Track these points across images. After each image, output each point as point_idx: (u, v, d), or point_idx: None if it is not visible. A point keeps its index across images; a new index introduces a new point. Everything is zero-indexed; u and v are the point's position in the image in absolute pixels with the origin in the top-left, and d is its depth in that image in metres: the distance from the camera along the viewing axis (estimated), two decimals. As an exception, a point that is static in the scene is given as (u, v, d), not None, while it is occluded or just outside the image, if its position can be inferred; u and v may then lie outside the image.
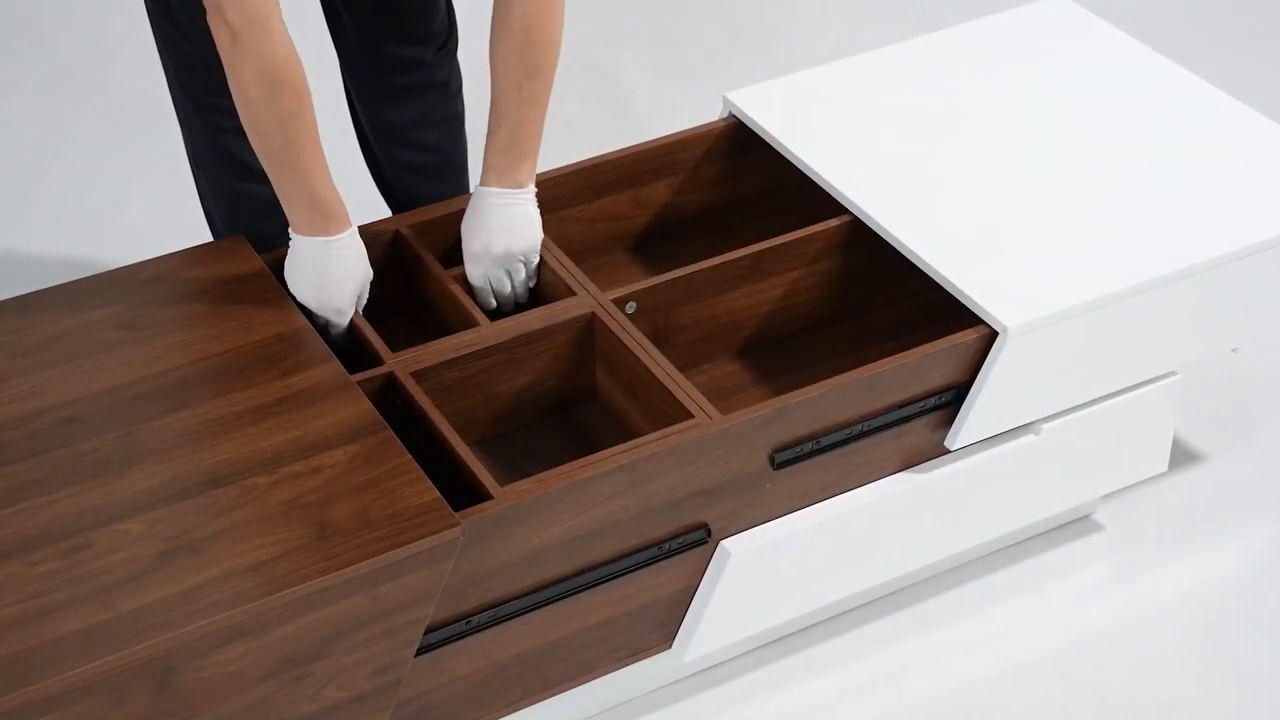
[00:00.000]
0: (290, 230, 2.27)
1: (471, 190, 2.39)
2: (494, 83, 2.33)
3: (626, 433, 2.35)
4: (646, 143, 2.63)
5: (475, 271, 2.39)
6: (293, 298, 2.30)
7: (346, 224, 2.27)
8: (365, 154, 2.76)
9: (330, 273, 2.27)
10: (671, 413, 2.23)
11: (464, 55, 2.72)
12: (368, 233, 2.43)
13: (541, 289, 2.44)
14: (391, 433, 2.12)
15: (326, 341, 2.30)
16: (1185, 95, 2.70)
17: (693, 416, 2.19)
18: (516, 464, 2.36)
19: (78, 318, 2.28)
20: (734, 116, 2.68)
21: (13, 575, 1.95)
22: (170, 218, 3.27)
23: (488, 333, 2.31)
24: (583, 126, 3.48)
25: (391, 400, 2.24)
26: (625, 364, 2.31)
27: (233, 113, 2.43)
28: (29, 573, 1.95)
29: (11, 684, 1.84)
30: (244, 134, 2.44)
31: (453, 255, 2.49)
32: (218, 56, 2.32)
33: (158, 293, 2.32)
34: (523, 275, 2.41)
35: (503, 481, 2.29)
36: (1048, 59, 2.77)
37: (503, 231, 2.36)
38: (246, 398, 2.16)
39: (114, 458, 2.09)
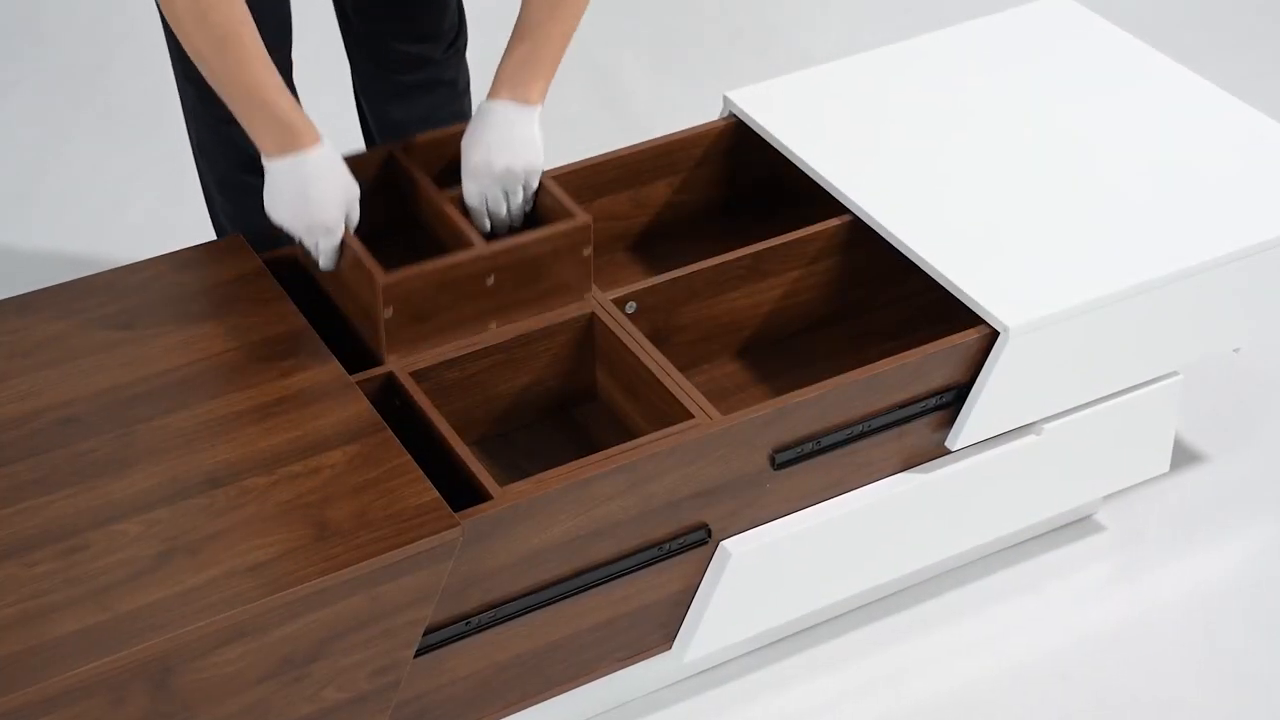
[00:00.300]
0: (263, 159, 2.19)
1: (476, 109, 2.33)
2: (525, 3, 2.28)
3: (627, 433, 2.35)
4: (646, 142, 2.63)
5: (472, 189, 2.31)
6: (283, 230, 2.24)
7: (315, 138, 2.18)
8: (369, 149, 2.76)
9: (309, 192, 2.18)
10: (671, 413, 2.23)
11: (472, 55, 2.71)
12: (360, 158, 2.38)
13: (539, 212, 2.37)
14: (390, 433, 2.12)
15: (318, 269, 2.26)
16: (1186, 94, 2.70)
17: (693, 417, 2.19)
18: (516, 464, 2.35)
19: (76, 318, 2.28)
20: (734, 116, 2.68)
21: (11, 576, 1.95)
22: (169, 218, 3.27)
23: (488, 335, 2.30)
24: (583, 126, 3.48)
25: (391, 400, 2.24)
26: (625, 364, 2.31)
27: None
28: (27, 573, 1.95)
29: (9, 685, 1.83)
30: None
31: (446, 178, 2.44)
32: None
33: (157, 292, 2.32)
34: (520, 198, 2.33)
35: (502, 482, 2.28)
36: (1048, 58, 2.77)
37: (504, 147, 2.28)
38: (245, 398, 2.16)
39: (113, 458, 2.09)
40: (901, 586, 2.56)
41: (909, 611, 2.54)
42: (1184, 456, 2.78)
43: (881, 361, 2.27)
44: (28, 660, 1.86)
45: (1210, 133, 2.62)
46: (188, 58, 2.44)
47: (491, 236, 2.36)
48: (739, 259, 2.43)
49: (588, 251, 2.31)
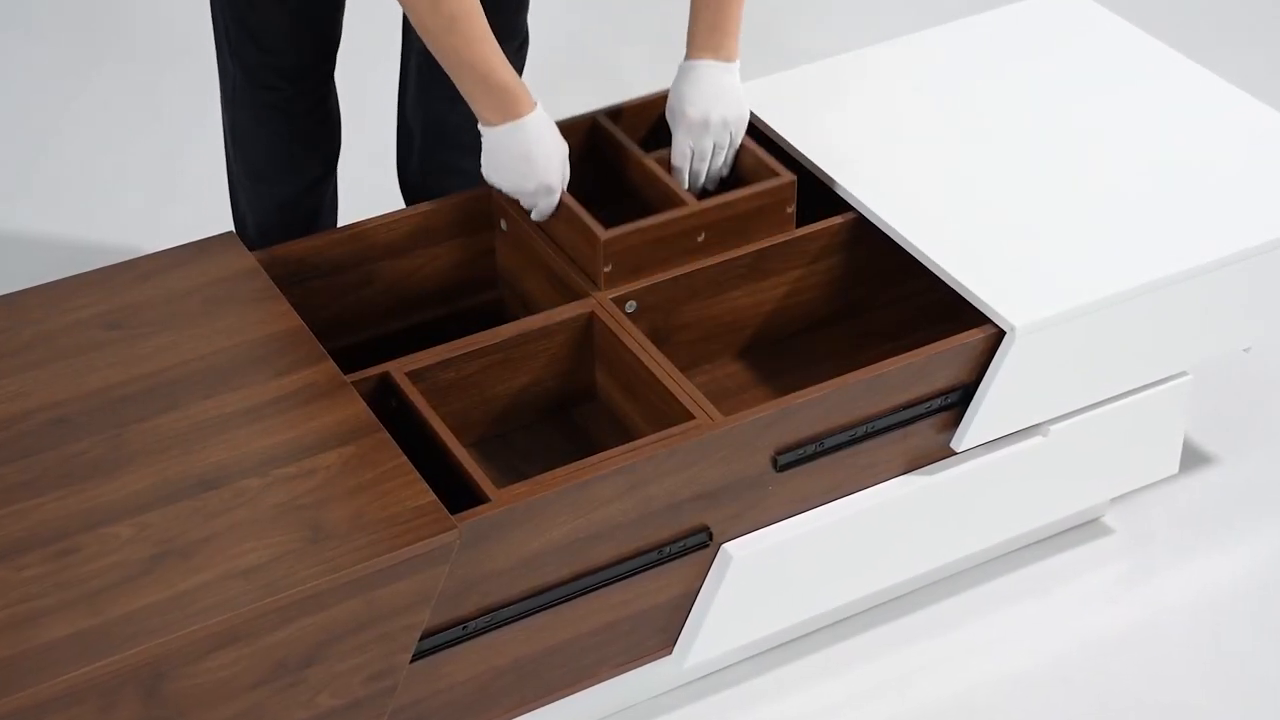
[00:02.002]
0: (481, 126, 2.34)
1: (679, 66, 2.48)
2: None
3: (626, 434, 2.35)
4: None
5: (685, 144, 2.45)
6: (497, 192, 2.40)
7: (532, 104, 2.33)
8: (401, 153, 2.80)
9: (532, 153, 2.33)
10: (672, 413, 2.23)
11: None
12: (562, 126, 2.49)
13: (739, 172, 2.52)
14: (387, 434, 2.12)
15: (536, 224, 2.40)
16: (1196, 90, 2.70)
17: (693, 417, 2.19)
18: (514, 466, 2.35)
19: (66, 316, 2.28)
20: (736, 111, 2.68)
21: (0, 580, 1.95)
22: (162, 215, 3.27)
23: (484, 335, 2.31)
24: (581, 121, 3.47)
25: (387, 401, 2.24)
26: (625, 364, 2.31)
27: (287, 93, 2.57)
28: (16, 577, 1.95)
29: (-1, 691, 1.84)
30: (299, 113, 2.60)
31: (650, 142, 2.61)
32: (282, 29, 2.48)
33: (148, 291, 2.32)
34: (726, 151, 2.48)
35: (500, 484, 2.28)
36: (1055, 53, 2.77)
37: (718, 98, 2.42)
38: (239, 398, 2.16)
39: (104, 459, 2.09)
40: (906, 590, 2.56)
41: (913, 616, 2.54)
42: (1193, 458, 2.78)
43: (885, 361, 2.27)
44: (17, 666, 1.86)
45: (1220, 129, 2.62)
46: (230, 36, 2.50)
47: (700, 194, 2.53)
48: (740, 257, 2.43)
49: (791, 209, 2.45)
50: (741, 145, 2.51)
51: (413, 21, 2.30)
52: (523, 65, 2.73)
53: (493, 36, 2.30)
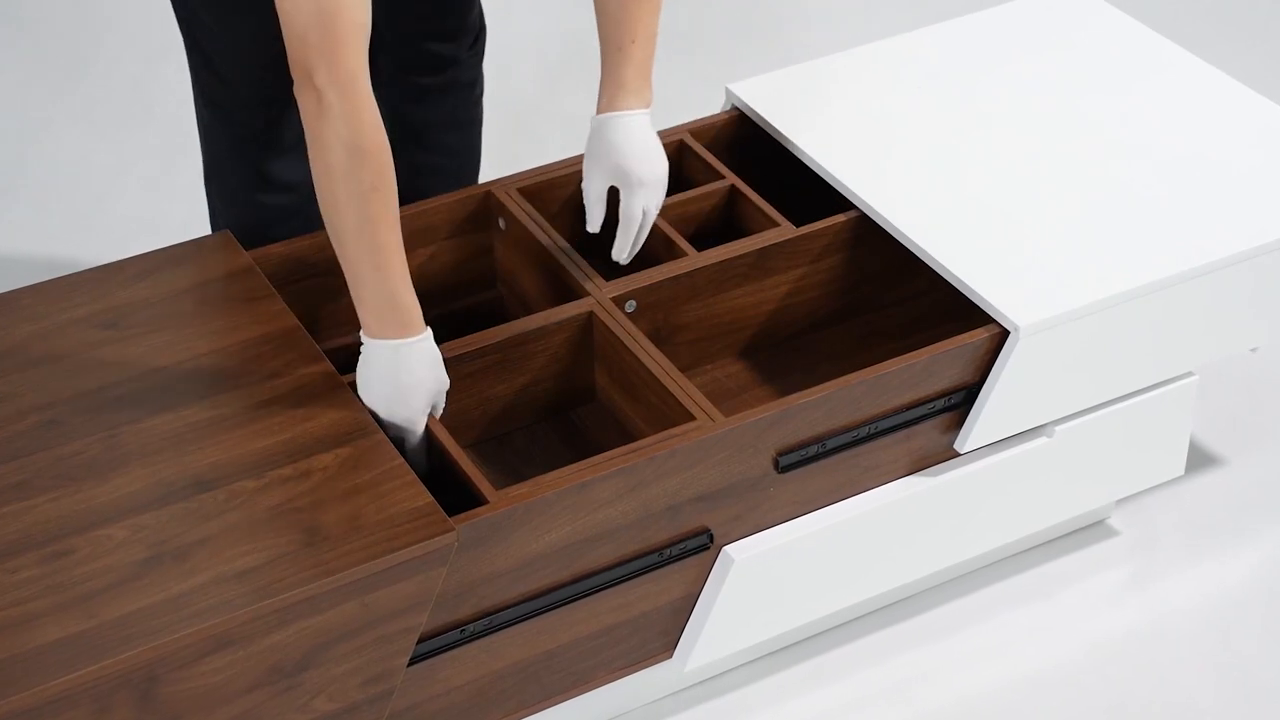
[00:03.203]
0: (361, 333, 2.14)
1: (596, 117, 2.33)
2: (623, 5, 2.27)
3: (626, 435, 2.35)
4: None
5: (637, 204, 2.31)
6: (371, 410, 2.18)
7: (421, 326, 2.13)
8: None
9: (401, 381, 2.13)
10: (672, 414, 2.23)
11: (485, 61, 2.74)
12: (558, 173, 2.42)
13: (743, 222, 2.53)
14: (383, 435, 2.12)
15: (402, 453, 2.18)
16: (1202, 87, 2.70)
17: (694, 418, 2.19)
18: (513, 467, 2.35)
19: (59, 316, 2.28)
20: (737, 109, 2.68)
21: (-8, 582, 1.95)
22: (155, 213, 3.27)
23: (484, 335, 2.31)
24: (583, 121, 3.47)
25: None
26: (625, 364, 2.31)
27: (257, 121, 2.47)
28: (9, 580, 1.95)
29: (-9, 694, 1.84)
30: (267, 142, 2.50)
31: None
32: (250, 67, 2.38)
33: (142, 291, 2.32)
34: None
35: (498, 485, 2.28)
36: (1060, 50, 2.77)
37: (660, 152, 2.32)
38: (234, 399, 2.16)
39: (97, 461, 2.09)
40: (909, 593, 2.56)
41: (917, 619, 2.54)
42: (1199, 459, 2.78)
43: (888, 361, 2.27)
44: (10, 669, 1.86)
45: (1227, 126, 2.62)
46: (204, 76, 2.46)
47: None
48: (741, 256, 2.44)
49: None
50: (742, 196, 2.49)
51: (319, 185, 2.07)
52: (481, 57, 2.68)
53: (399, 235, 2.09)
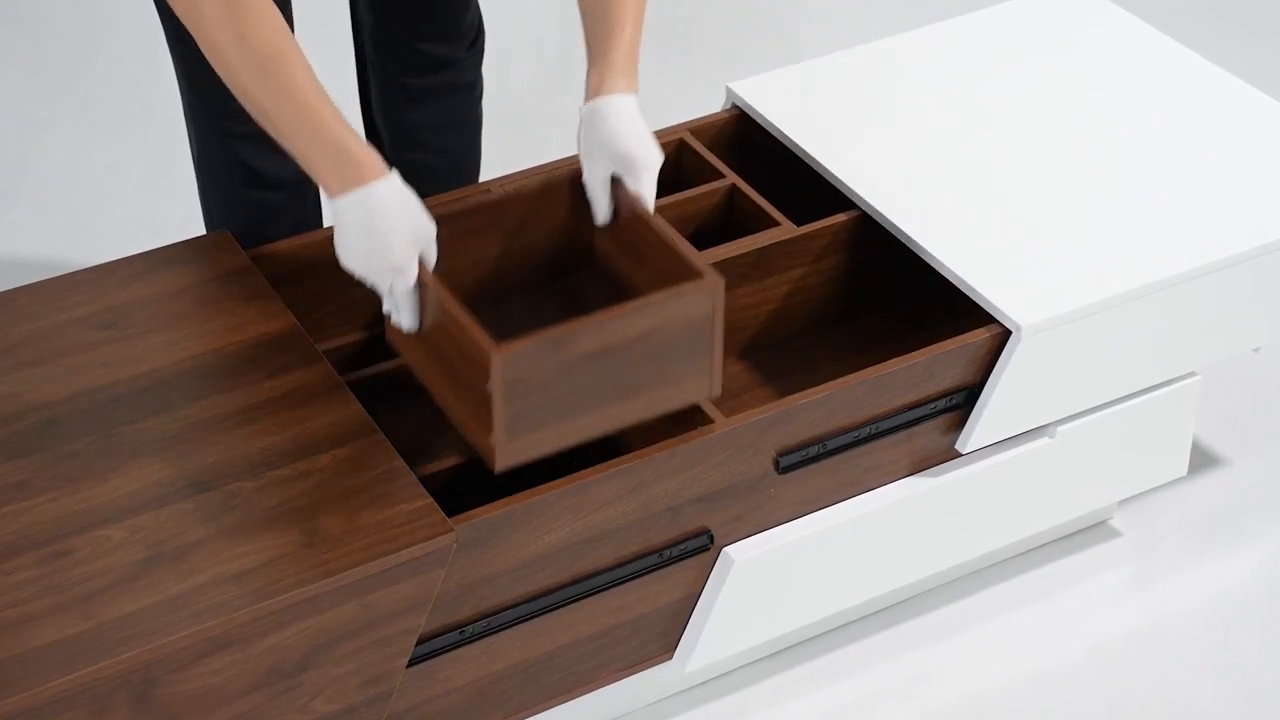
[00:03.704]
0: (328, 201, 2.06)
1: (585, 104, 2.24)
2: None
3: (624, 297, 2.25)
4: (647, 135, 2.62)
5: (647, 187, 2.22)
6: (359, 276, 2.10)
7: (381, 170, 2.04)
8: None
9: (375, 227, 2.03)
10: (678, 275, 2.20)
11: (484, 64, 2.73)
12: (549, 176, 2.31)
13: (744, 220, 2.50)
14: (382, 435, 2.12)
15: (391, 322, 2.10)
16: (1205, 86, 2.70)
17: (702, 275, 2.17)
18: (508, 332, 2.25)
19: (57, 316, 2.28)
20: (737, 108, 2.68)
21: (-10, 583, 1.95)
22: (153, 213, 3.27)
23: (487, 193, 2.22)
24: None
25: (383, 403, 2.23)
26: (629, 228, 2.25)
27: (246, 116, 2.43)
28: (7, 580, 1.95)
29: (-12, 696, 1.84)
30: (257, 139, 2.47)
31: None
32: None
33: (140, 290, 2.32)
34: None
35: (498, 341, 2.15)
36: (1063, 48, 2.77)
37: (652, 136, 2.23)
38: (232, 399, 2.16)
39: (95, 461, 2.09)
40: (910, 594, 2.56)
41: (918, 620, 2.54)
42: (1202, 460, 2.78)
43: (889, 361, 2.27)
44: (8, 670, 1.86)
45: (1229, 125, 2.62)
46: (191, 65, 2.45)
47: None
48: (742, 256, 2.43)
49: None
50: (742, 195, 2.47)
51: (221, 74, 2.02)
52: (480, 58, 2.66)
53: (320, 85, 2.02)
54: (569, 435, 2.07)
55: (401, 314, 2.10)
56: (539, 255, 2.29)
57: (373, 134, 2.76)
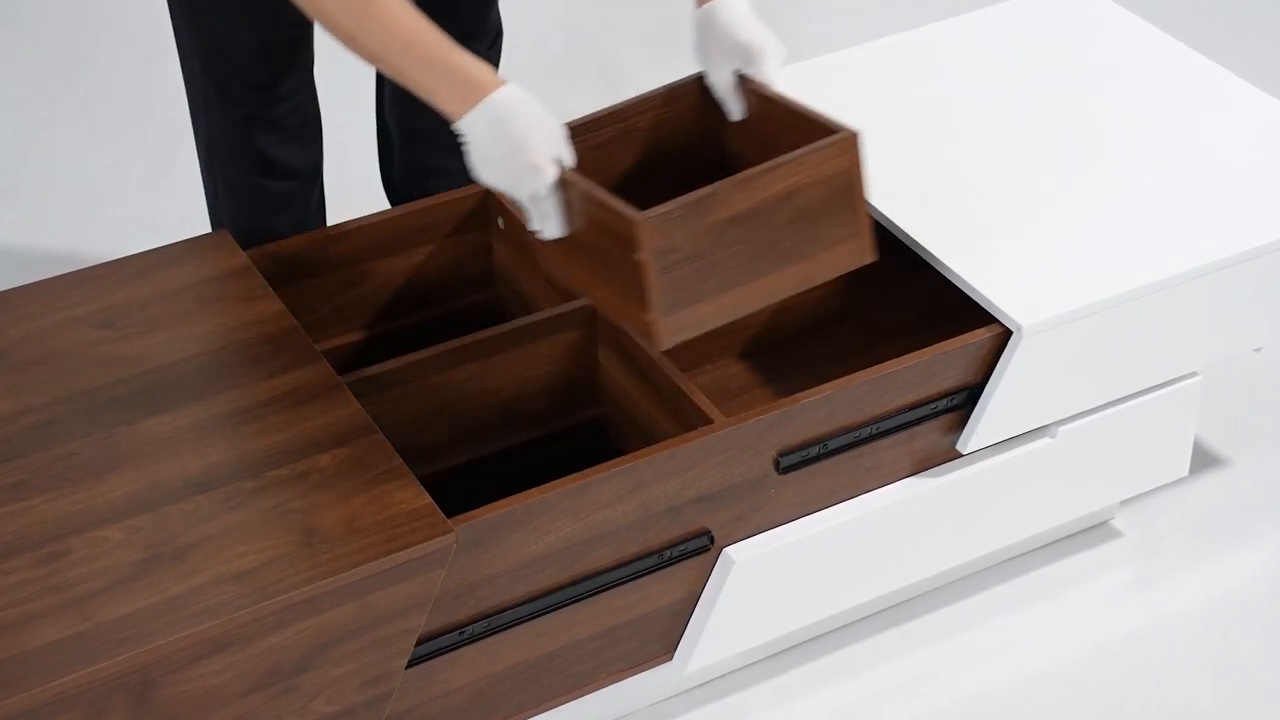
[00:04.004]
0: (455, 125, 2.06)
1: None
2: None
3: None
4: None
5: (771, 68, 2.20)
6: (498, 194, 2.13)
7: (497, 80, 2.04)
8: (383, 155, 2.78)
9: (506, 133, 2.03)
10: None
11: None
12: None
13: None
14: (381, 436, 2.11)
15: (538, 238, 2.08)
16: (1206, 85, 2.70)
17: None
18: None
19: (56, 316, 2.28)
20: (738, 107, 2.67)
21: (-12, 584, 1.95)
22: (152, 212, 3.27)
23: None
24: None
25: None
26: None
27: (261, 102, 2.48)
28: (4, 581, 1.95)
29: (-14, 697, 1.84)
30: (269, 126, 2.51)
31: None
32: (251, 44, 2.38)
33: (139, 290, 2.32)
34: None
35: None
36: (1063, 47, 2.77)
37: (767, 27, 2.23)
38: (231, 399, 2.16)
39: (93, 461, 2.09)
40: (911, 595, 2.56)
41: (919, 620, 2.54)
42: (1203, 460, 2.78)
43: (890, 362, 2.27)
44: (5, 671, 1.86)
45: (1231, 124, 2.62)
46: (210, 54, 2.46)
47: None
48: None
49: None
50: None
51: (322, 22, 2.06)
52: (498, 59, 2.69)
53: (421, 16, 2.05)
54: (726, 309, 2.04)
55: (546, 220, 2.09)
56: (669, 163, 2.26)
57: (384, 135, 2.77)
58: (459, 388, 2.31)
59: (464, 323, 2.53)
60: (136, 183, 3.36)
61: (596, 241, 2.04)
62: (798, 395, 2.22)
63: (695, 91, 2.24)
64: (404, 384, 2.28)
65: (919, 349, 2.33)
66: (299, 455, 2.09)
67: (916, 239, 2.41)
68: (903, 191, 2.49)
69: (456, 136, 2.66)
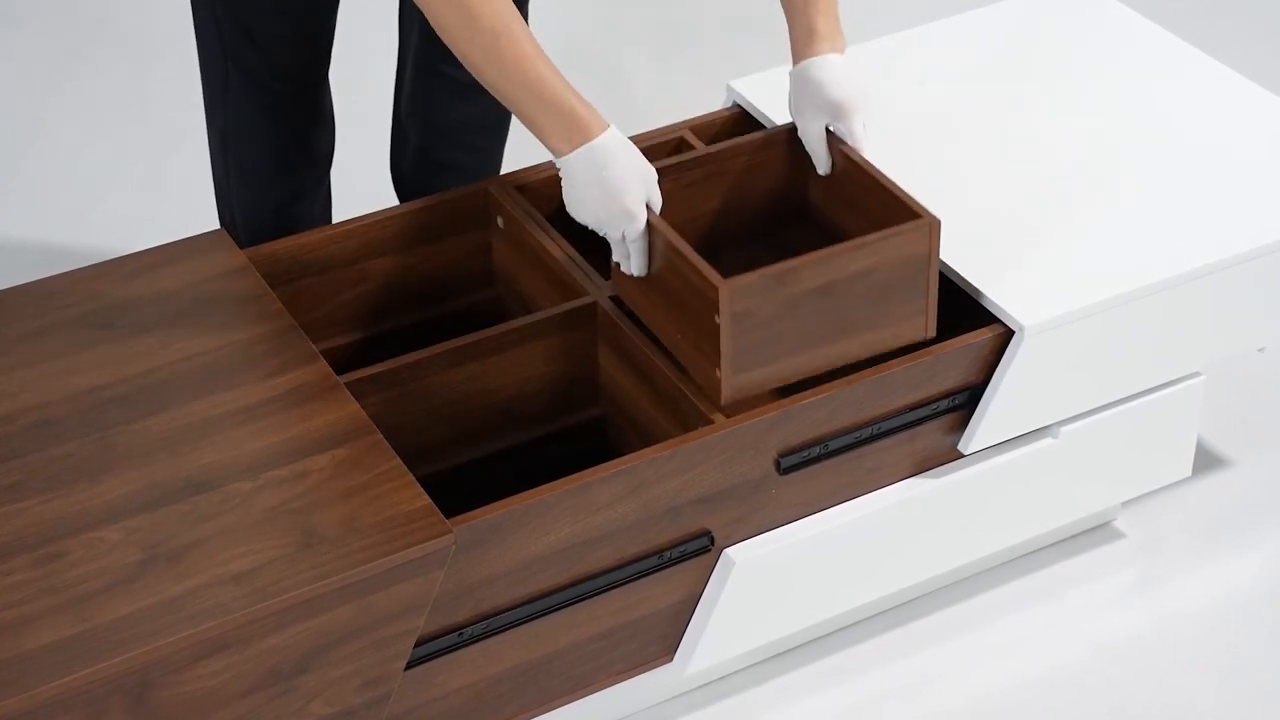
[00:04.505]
0: (554, 159, 2.19)
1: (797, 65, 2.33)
2: None
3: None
4: (648, 133, 2.62)
5: (858, 124, 2.31)
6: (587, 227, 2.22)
7: (603, 124, 2.18)
8: (396, 150, 2.80)
9: (606, 178, 2.16)
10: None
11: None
12: None
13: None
14: (380, 436, 2.11)
15: (620, 271, 2.23)
16: (1211, 84, 2.70)
17: (920, 215, 2.20)
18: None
19: (52, 315, 2.28)
20: (739, 105, 2.67)
21: (-15, 585, 1.95)
22: (150, 211, 3.27)
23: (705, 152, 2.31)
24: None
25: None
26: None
27: (287, 90, 2.55)
28: (1, 582, 1.95)
29: (-17, 699, 1.83)
30: (295, 112, 2.57)
31: None
32: (281, 29, 2.45)
33: (136, 290, 2.32)
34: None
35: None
36: (1066, 46, 2.77)
37: (861, 78, 2.32)
38: (229, 399, 2.16)
39: (90, 462, 2.08)
40: (913, 596, 2.55)
41: (920, 622, 2.53)
42: (1206, 461, 2.78)
43: (891, 361, 2.27)
44: (2, 673, 1.86)
45: (1234, 124, 2.62)
46: (238, 44, 2.52)
47: None
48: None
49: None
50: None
51: (453, 48, 2.17)
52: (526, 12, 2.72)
53: (543, 53, 2.17)
54: (790, 372, 2.18)
55: (632, 260, 2.22)
56: (754, 209, 2.36)
57: (400, 130, 2.78)
58: (458, 388, 2.31)
59: (463, 322, 2.53)
60: (134, 182, 3.35)
61: (677, 289, 2.17)
62: (798, 395, 2.22)
63: (786, 141, 2.35)
64: (403, 384, 2.27)
65: (920, 349, 2.32)
66: (297, 456, 2.09)
67: (918, 238, 2.41)
68: (905, 189, 2.48)
69: (473, 134, 2.69)
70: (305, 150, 2.63)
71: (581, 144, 2.16)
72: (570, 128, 2.16)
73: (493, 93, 2.18)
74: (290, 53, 2.54)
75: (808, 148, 2.35)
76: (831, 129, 2.32)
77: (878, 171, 2.26)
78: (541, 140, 2.18)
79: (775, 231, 2.40)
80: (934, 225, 2.18)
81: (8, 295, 2.31)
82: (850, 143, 2.33)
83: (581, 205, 2.18)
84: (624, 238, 2.20)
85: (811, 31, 2.31)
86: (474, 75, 2.17)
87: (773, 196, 2.38)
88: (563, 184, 2.19)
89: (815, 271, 2.13)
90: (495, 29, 2.12)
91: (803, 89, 2.32)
